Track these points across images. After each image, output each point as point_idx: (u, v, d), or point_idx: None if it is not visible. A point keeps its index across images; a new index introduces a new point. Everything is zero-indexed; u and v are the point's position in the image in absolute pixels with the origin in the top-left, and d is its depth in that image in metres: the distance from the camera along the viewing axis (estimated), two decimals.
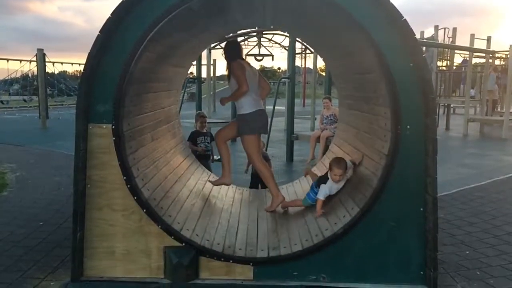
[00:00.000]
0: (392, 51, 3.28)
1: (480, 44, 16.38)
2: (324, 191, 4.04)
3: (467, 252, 4.29)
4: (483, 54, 16.23)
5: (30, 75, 22.43)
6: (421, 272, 3.50)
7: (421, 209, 3.44)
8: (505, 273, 3.81)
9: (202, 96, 13.62)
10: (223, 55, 4.82)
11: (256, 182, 5.88)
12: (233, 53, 4.78)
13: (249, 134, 4.66)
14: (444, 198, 6.09)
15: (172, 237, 3.53)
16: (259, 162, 4.73)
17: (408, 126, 3.35)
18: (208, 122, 6.99)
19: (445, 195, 6.29)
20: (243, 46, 19.77)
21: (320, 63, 26.70)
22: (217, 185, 5.03)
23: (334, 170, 3.99)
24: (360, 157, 4.12)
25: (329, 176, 4.06)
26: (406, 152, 3.38)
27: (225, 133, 4.94)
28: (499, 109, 17.27)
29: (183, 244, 3.54)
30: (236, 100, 4.68)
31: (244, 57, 4.94)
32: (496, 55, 17.44)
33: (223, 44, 15.69)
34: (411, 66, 3.29)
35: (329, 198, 4.10)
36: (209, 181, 5.07)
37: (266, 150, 7.74)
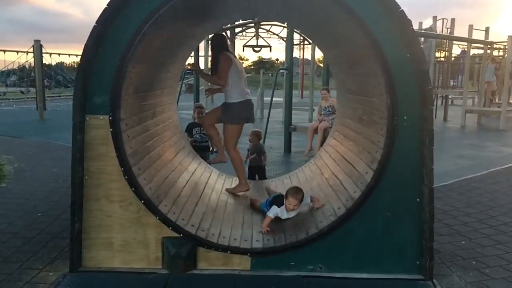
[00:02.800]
0: (389, 42, 3.29)
1: (478, 35, 16.37)
2: (274, 211, 3.95)
3: (463, 242, 4.32)
4: (482, 45, 16.20)
5: (27, 66, 22.31)
6: (417, 262, 3.53)
7: (418, 199, 3.47)
8: (500, 263, 3.85)
9: (200, 88, 13.59)
10: (210, 47, 4.97)
11: (253, 173, 5.90)
12: (220, 46, 4.91)
13: (231, 123, 4.85)
14: (441, 188, 6.12)
15: (170, 228, 3.55)
16: (233, 150, 4.94)
17: (405, 117, 3.37)
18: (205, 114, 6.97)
19: (442, 186, 6.32)
20: (241, 37, 19.77)
21: (319, 54, 26.69)
22: (235, 192, 4.97)
23: (289, 199, 3.91)
24: (321, 205, 4.05)
25: (284, 202, 3.99)
26: (403, 142, 3.40)
27: (210, 117, 5.13)
28: (497, 100, 17.29)
29: (181, 235, 3.56)
30: (221, 88, 4.89)
31: (229, 49, 5.10)
32: (495, 46, 17.43)
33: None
34: (408, 57, 3.30)
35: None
36: (227, 189, 5.01)
37: (264, 142, 7.75)
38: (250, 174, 5.86)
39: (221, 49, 4.85)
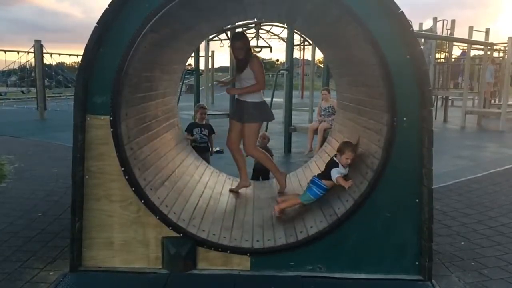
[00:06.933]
0: (388, 43, 3.30)
1: (478, 36, 16.37)
2: (337, 172, 3.92)
3: (462, 243, 4.33)
4: (482, 46, 16.20)
5: (27, 66, 22.29)
6: (416, 263, 3.54)
7: (417, 200, 3.48)
8: (499, 264, 3.85)
9: (200, 88, 13.60)
10: (241, 45, 4.76)
11: (257, 174, 5.89)
12: (249, 47, 4.91)
13: (257, 121, 4.87)
14: (440, 189, 6.13)
15: (170, 227, 3.56)
16: (255, 149, 4.99)
17: (405, 118, 3.38)
18: (207, 114, 6.99)
19: (442, 187, 6.32)
20: None
21: (319, 55, 26.65)
22: (237, 190, 5.03)
23: (347, 153, 3.91)
24: (357, 139, 4.12)
25: (338, 161, 3.97)
26: (403, 143, 3.41)
27: (234, 137, 5.02)
28: (497, 101, 17.29)
29: (181, 234, 3.57)
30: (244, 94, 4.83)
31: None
32: (495, 47, 17.42)
33: (221, 36, 15.60)
34: (407, 58, 3.31)
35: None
36: (230, 190, 5.05)
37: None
38: (254, 175, 5.86)
39: (250, 50, 4.85)
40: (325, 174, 4.06)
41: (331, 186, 4.03)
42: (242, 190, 5.04)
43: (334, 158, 4.05)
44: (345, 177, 3.91)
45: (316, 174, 4.29)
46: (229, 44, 5.02)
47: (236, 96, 5.02)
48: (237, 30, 11.42)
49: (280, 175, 5.03)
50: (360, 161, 3.93)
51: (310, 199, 4.14)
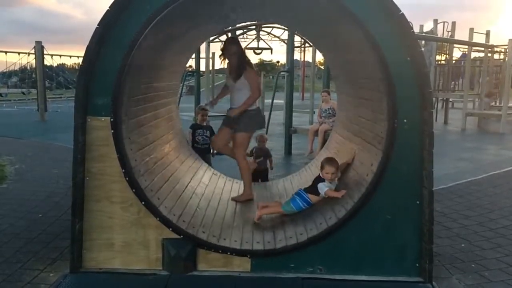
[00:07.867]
0: (389, 45, 3.30)
1: (479, 38, 16.37)
2: (323, 186, 3.93)
3: (463, 245, 4.32)
4: (482, 48, 16.21)
5: (28, 67, 22.38)
6: (417, 265, 3.54)
7: (417, 202, 3.47)
8: (500, 266, 3.85)
9: (201, 90, 13.62)
10: (237, 52, 4.71)
11: (257, 177, 5.89)
12: (244, 53, 4.84)
13: (246, 130, 4.77)
14: (441, 191, 6.12)
15: (170, 229, 3.56)
16: (244, 159, 4.87)
17: (405, 120, 3.38)
18: (208, 116, 7.00)
19: (442, 189, 6.32)
20: (242, 40, 19.80)
21: (319, 57, 26.68)
22: (241, 201, 4.82)
23: (326, 168, 3.94)
24: (352, 156, 4.08)
25: (322, 176, 3.99)
26: (403, 145, 3.41)
27: (222, 138, 4.97)
28: (497, 103, 17.29)
29: (181, 236, 3.57)
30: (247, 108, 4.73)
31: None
32: (495, 49, 17.43)
33: (222, 38, 15.66)
34: (408, 60, 3.31)
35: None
36: (232, 198, 4.87)
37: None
38: (254, 177, 5.85)
39: (243, 56, 4.77)
40: (312, 189, 4.05)
41: (316, 201, 4.02)
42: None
43: (320, 174, 4.05)
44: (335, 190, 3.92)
45: (299, 189, 4.25)
46: (221, 47, 4.82)
47: (230, 105, 4.85)
48: (230, 36, 11.43)
49: (249, 190, 4.83)
50: (360, 163, 3.93)
51: (292, 210, 4.10)
